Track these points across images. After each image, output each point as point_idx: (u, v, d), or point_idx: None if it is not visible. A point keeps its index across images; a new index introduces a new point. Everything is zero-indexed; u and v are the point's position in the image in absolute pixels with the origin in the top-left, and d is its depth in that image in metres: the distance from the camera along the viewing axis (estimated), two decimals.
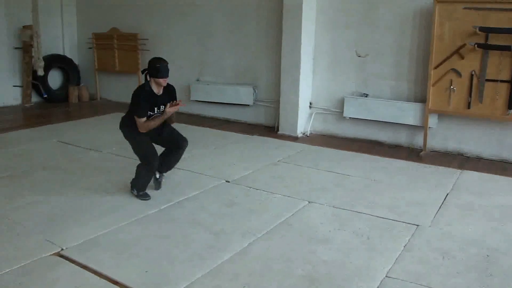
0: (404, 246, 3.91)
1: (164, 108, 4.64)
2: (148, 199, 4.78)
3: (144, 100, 4.54)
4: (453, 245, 3.94)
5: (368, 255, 3.75)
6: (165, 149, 5.01)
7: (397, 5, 6.89)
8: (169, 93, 4.79)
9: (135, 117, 4.56)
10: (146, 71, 4.62)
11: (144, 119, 4.56)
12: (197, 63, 9.01)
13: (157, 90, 4.64)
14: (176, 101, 4.70)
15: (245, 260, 3.66)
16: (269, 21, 8.06)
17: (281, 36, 7.59)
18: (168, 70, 4.59)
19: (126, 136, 4.83)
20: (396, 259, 3.70)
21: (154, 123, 4.60)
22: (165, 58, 4.65)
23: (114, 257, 3.67)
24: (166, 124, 4.86)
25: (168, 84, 4.73)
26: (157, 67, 4.51)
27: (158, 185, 5.08)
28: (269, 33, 8.10)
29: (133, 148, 4.82)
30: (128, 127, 4.75)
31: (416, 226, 4.28)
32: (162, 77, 4.55)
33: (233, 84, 8.57)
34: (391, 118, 7.02)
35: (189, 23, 9.09)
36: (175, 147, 4.94)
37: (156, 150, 4.80)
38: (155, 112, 4.66)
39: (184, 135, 5.03)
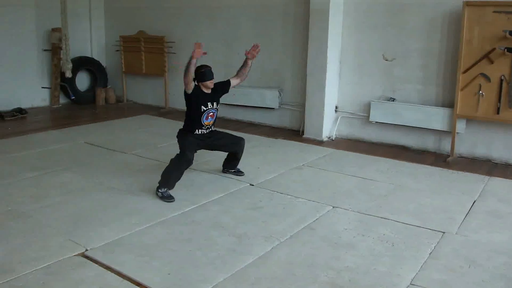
0: (430, 254, 3.84)
1: (217, 104, 5.26)
2: (172, 201, 4.80)
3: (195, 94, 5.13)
4: (479, 253, 3.87)
5: (393, 262, 3.70)
6: (228, 154, 5.64)
7: (425, 8, 6.80)
8: (216, 89, 5.27)
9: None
10: (194, 79, 5.12)
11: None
12: (222, 66, 9.00)
13: (207, 91, 5.18)
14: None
15: (268, 264, 3.64)
16: (296, 24, 8.04)
17: (307, 39, 7.56)
18: (212, 73, 5.15)
19: (178, 136, 5.25)
20: (421, 266, 3.64)
21: (187, 65, 5.00)
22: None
23: (137, 259, 3.69)
24: (216, 132, 5.43)
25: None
26: (203, 72, 5.10)
27: (239, 173, 5.70)
28: (295, 36, 8.08)
29: (179, 144, 5.19)
30: (182, 131, 5.26)
31: (442, 233, 4.20)
32: (209, 80, 5.12)
33: (259, 87, 8.56)
34: (418, 123, 6.93)
35: (215, 27, 9.12)
36: (233, 148, 5.52)
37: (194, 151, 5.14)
38: (208, 107, 5.15)
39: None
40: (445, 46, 6.74)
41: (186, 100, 5.17)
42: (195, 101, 5.10)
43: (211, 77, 5.12)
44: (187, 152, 4.99)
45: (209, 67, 5.15)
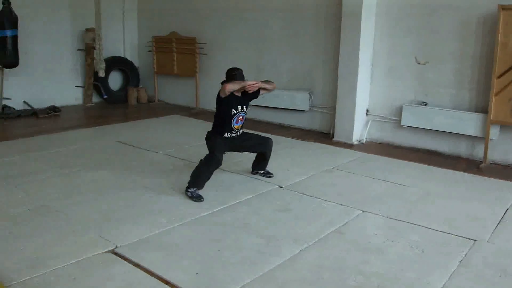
0: (460, 262, 3.78)
1: (246, 108, 5.28)
2: (201, 201, 4.84)
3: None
4: (511, 262, 3.80)
5: (422, 269, 3.64)
6: (256, 155, 5.67)
7: (459, 11, 6.70)
8: (247, 93, 5.26)
9: (223, 86, 5.04)
10: (224, 81, 5.14)
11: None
12: (253, 67, 9.03)
13: (237, 93, 5.19)
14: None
15: (296, 267, 3.63)
16: (327, 26, 8.01)
17: (339, 41, 7.53)
18: (243, 76, 5.19)
19: (207, 138, 5.28)
20: (451, 274, 3.58)
21: (236, 84, 5.04)
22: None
23: (166, 258, 3.72)
24: (244, 133, 5.44)
25: None
26: (234, 75, 5.13)
27: (268, 174, 5.71)
28: (326, 38, 8.05)
29: (208, 145, 5.22)
30: (211, 133, 5.28)
31: (473, 241, 4.13)
32: None
33: (289, 89, 8.55)
34: (451, 128, 6.83)
35: (246, 28, 9.15)
36: (261, 149, 5.55)
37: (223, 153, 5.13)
38: (238, 110, 5.18)
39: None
40: (479, 50, 6.63)
41: (217, 102, 5.18)
42: (226, 103, 5.11)
43: (242, 80, 5.14)
44: (216, 153, 5.00)
45: (241, 70, 5.18)
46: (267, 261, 3.69)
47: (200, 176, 4.96)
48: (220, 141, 5.16)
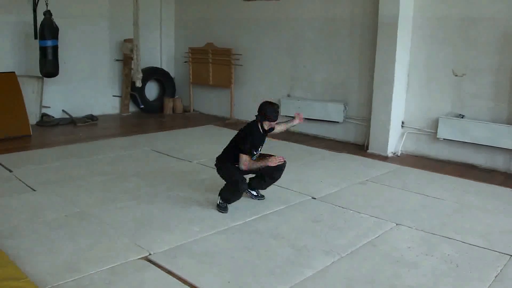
0: (495, 277, 3.70)
1: (264, 143, 4.89)
2: (224, 213, 4.80)
3: (253, 139, 4.77)
4: None
5: (457, 283, 3.59)
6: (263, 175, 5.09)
7: (499, 23, 6.59)
8: (268, 130, 4.94)
9: (240, 154, 4.70)
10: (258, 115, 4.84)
11: (248, 157, 4.73)
12: (288, 78, 9.05)
13: (264, 127, 4.86)
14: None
15: (327, 278, 3.62)
16: (363, 36, 7.98)
17: (375, 52, 7.49)
18: (277, 113, 4.80)
19: (219, 168, 4.92)
20: None
21: (257, 166, 4.76)
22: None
23: (198, 266, 3.75)
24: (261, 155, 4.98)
25: None
26: (264, 111, 4.76)
27: (260, 197, 5.27)
28: (362, 48, 8.02)
29: (224, 174, 4.88)
30: (222, 160, 4.94)
31: (509, 256, 4.04)
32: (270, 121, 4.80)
33: (323, 100, 8.54)
34: (488, 141, 6.70)
35: (281, 39, 9.17)
36: (275, 173, 5.00)
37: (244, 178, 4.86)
38: (259, 150, 4.89)
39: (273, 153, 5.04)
40: None
41: (238, 140, 4.85)
42: (251, 142, 4.77)
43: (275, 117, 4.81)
44: (239, 183, 4.69)
45: (277, 106, 4.90)
46: (299, 272, 3.69)
47: (230, 199, 4.85)
48: (235, 168, 4.80)
